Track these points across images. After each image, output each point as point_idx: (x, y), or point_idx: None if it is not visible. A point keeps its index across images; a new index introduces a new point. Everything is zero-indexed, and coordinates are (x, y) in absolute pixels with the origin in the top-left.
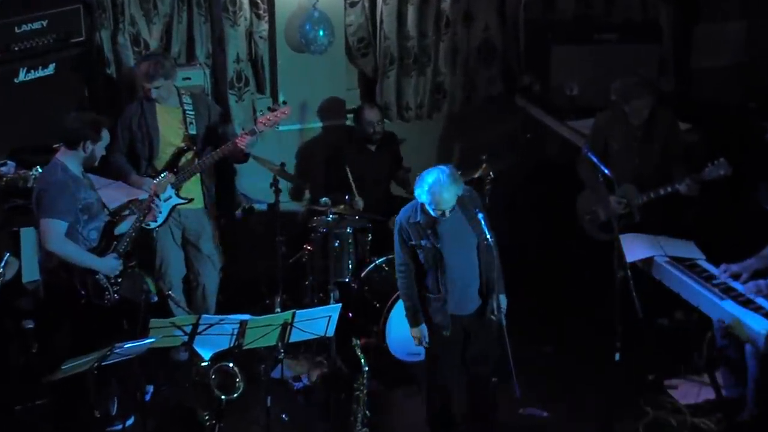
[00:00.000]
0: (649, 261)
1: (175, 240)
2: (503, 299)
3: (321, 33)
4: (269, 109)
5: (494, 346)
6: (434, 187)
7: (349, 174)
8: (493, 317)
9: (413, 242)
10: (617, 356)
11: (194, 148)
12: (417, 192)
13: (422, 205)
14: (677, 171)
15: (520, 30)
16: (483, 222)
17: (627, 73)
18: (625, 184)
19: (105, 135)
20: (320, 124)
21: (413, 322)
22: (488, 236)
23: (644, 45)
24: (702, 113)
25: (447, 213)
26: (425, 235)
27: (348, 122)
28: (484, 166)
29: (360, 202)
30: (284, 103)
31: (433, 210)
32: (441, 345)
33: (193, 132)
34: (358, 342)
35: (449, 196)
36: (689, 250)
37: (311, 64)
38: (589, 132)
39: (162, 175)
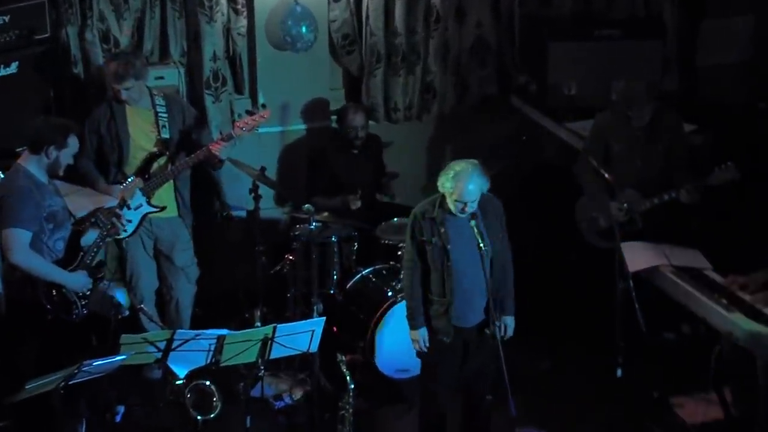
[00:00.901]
0: (652, 271)
1: (146, 250)
2: (511, 321)
3: (303, 29)
4: (247, 112)
5: (492, 364)
6: (460, 175)
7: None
8: (496, 336)
9: (424, 238)
10: (619, 372)
11: (167, 153)
12: (441, 180)
13: (442, 199)
14: (680, 175)
15: (515, 26)
16: (504, 238)
17: (629, 71)
18: (626, 189)
19: (72, 142)
20: (303, 126)
21: (413, 324)
22: (507, 254)
23: (647, 41)
24: (708, 114)
25: (467, 208)
26: (437, 232)
27: (333, 124)
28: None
29: (358, 202)
30: (263, 106)
31: (455, 201)
32: (438, 352)
33: (166, 136)
34: (344, 358)
35: (474, 187)
36: (695, 259)
37: (293, 63)
38: (588, 134)
39: (129, 179)
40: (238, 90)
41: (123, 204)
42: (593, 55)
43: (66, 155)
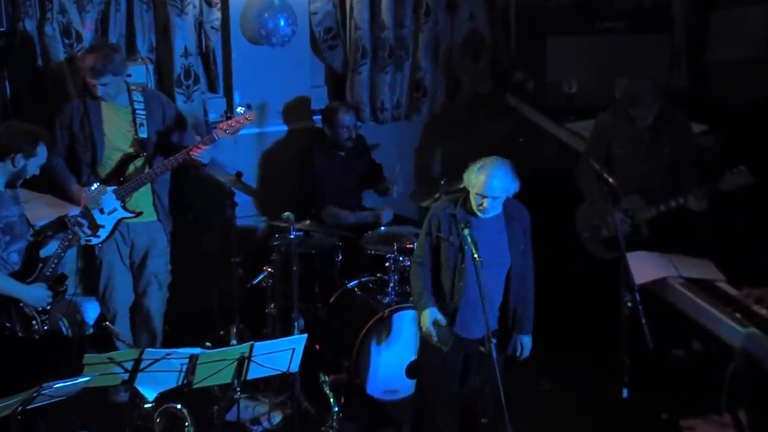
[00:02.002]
0: (660, 283)
1: (123, 260)
2: (528, 341)
3: (282, 22)
4: (229, 114)
5: (494, 384)
6: (487, 167)
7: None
8: (492, 353)
9: (441, 234)
10: (625, 392)
11: (144, 153)
12: (467, 173)
13: (465, 197)
14: (688, 180)
15: (510, 18)
16: (527, 252)
17: (633, 67)
18: (630, 195)
19: (41, 151)
20: (282, 128)
21: (421, 304)
22: (529, 269)
23: (653, 35)
24: (719, 113)
25: (486, 205)
26: (456, 231)
27: (316, 124)
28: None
29: (389, 215)
30: (249, 107)
31: (475, 195)
32: (437, 357)
33: (144, 135)
34: (327, 378)
35: (498, 183)
36: (706, 270)
37: (271, 59)
38: (589, 135)
39: (93, 186)
40: (212, 88)
41: (85, 212)
42: (595, 50)
43: (34, 165)
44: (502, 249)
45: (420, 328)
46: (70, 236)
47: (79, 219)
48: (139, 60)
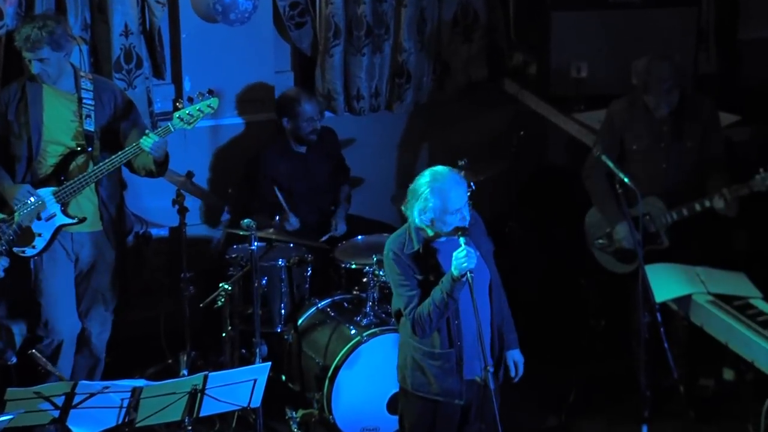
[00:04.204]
0: (685, 301)
1: (67, 276)
2: (519, 356)
3: None
4: (179, 102)
5: (492, 421)
6: (437, 185)
7: (277, 191)
8: (489, 383)
9: (419, 276)
10: (645, 429)
11: (89, 149)
12: (415, 209)
13: (418, 230)
14: (715, 179)
15: None
16: (491, 253)
17: (653, 48)
18: (648, 197)
19: None
20: (241, 120)
21: (447, 286)
22: (498, 276)
23: (676, 9)
24: (753, 101)
25: (467, 213)
26: (429, 268)
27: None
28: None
29: (294, 221)
30: (211, 92)
31: (448, 215)
32: (428, 413)
33: (90, 128)
34: (295, 415)
35: (459, 188)
36: (739, 285)
37: (227, 39)
38: (600, 126)
39: (32, 198)
40: (157, 73)
41: (8, 221)
42: (608, 28)
43: None
44: (479, 264)
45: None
46: None
47: (3, 227)
48: (71, 40)
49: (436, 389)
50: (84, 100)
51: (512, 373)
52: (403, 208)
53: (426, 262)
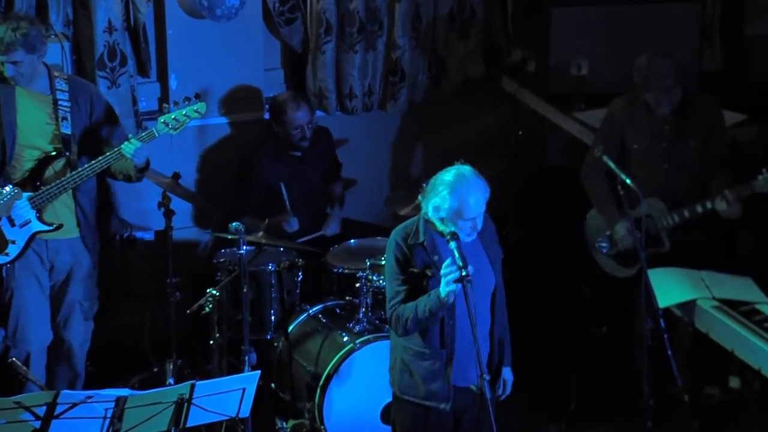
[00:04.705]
0: (689, 306)
1: (41, 286)
2: (509, 374)
3: None
4: (166, 105)
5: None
6: (457, 185)
7: (284, 189)
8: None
9: (415, 269)
10: None
11: (66, 153)
12: (431, 203)
13: (427, 223)
14: (717, 180)
15: None
16: (500, 261)
17: (656, 45)
18: (649, 198)
19: None
20: (229, 119)
21: (433, 301)
22: (502, 288)
23: (681, 4)
24: (760, 99)
25: (478, 224)
26: (432, 262)
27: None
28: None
29: (294, 223)
30: (197, 97)
31: (459, 222)
32: (420, 420)
33: (67, 131)
34: (285, 425)
35: (479, 195)
36: (745, 289)
37: (215, 36)
38: (600, 125)
39: (6, 188)
40: (142, 71)
41: None
42: (609, 24)
43: None
44: (484, 268)
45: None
46: None
47: None
48: (53, 37)
49: (422, 392)
50: (59, 102)
51: (499, 391)
52: (420, 197)
53: (427, 255)
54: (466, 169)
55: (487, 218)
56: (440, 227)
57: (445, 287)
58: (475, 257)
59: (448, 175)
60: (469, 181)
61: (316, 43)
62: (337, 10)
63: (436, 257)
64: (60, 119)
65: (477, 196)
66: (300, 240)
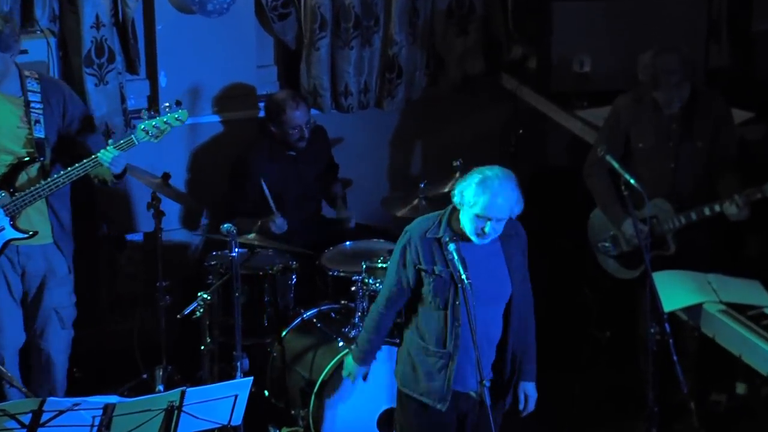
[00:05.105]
0: (695, 310)
1: (11, 292)
2: (533, 389)
3: None
4: (149, 111)
5: None
6: (491, 183)
7: (265, 187)
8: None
9: (423, 266)
10: None
11: (40, 158)
12: (459, 187)
13: (449, 216)
14: (726, 181)
15: None
16: (526, 278)
17: (661, 41)
18: (655, 199)
19: None
20: (220, 118)
21: (360, 358)
22: (530, 301)
23: None
24: None
25: (487, 230)
26: (444, 259)
27: (262, 114)
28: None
29: (281, 222)
30: (178, 103)
31: (474, 217)
32: (424, 420)
33: (41, 134)
34: None
35: (504, 202)
36: (753, 293)
37: (206, 31)
38: (604, 123)
39: None
40: (131, 68)
41: None
42: (613, 19)
43: None
44: (500, 276)
45: (347, 372)
46: None
47: None
48: (38, 33)
49: (421, 388)
50: (32, 104)
51: (521, 406)
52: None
53: (441, 251)
54: (508, 171)
55: (517, 227)
56: (463, 224)
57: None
58: (489, 262)
59: (488, 168)
60: (503, 182)
61: (311, 39)
62: (331, 5)
63: (449, 256)
64: (33, 122)
65: (502, 199)
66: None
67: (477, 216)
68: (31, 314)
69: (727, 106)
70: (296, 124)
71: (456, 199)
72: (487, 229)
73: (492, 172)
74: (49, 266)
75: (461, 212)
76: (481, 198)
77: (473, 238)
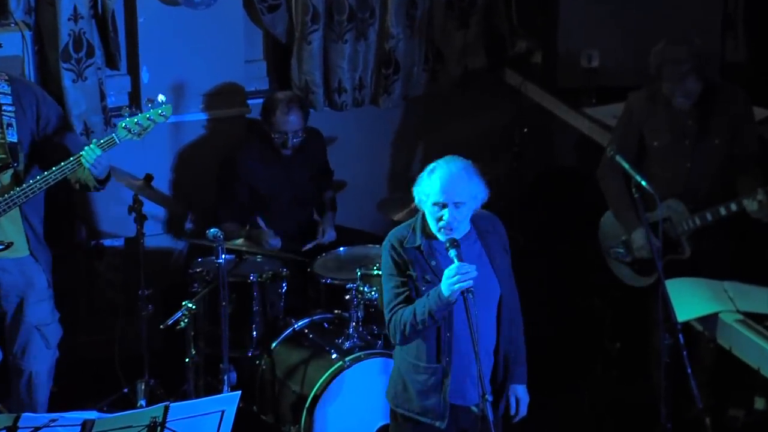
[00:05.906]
0: (711, 320)
1: None
2: (524, 392)
3: None
4: (131, 108)
5: None
6: (438, 167)
7: (260, 221)
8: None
9: (413, 273)
10: None
11: (14, 164)
12: (417, 186)
13: (423, 223)
14: (745, 179)
15: None
16: (510, 275)
17: (674, 35)
18: (668, 200)
19: None
20: (205, 116)
21: (433, 294)
22: (516, 299)
23: None
24: None
25: (446, 218)
26: (429, 267)
27: (250, 112)
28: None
29: (275, 242)
30: (162, 99)
31: (433, 205)
32: None
33: (13, 139)
34: None
35: (460, 183)
36: None
37: (191, 24)
38: (617, 121)
39: None
40: (111, 63)
41: None
42: (623, 12)
43: None
44: (487, 276)
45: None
46: None
47: None
48: (13, 26)
49: (416, 407)
50: (3, 107)
51: (512, 411)
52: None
53: (424, 260)
54: (461, 158)
55: (494, 222)
56: (434, 228)
57: (447, 287)
58: (476, 265)
59: (441, 159)
60: (451, 163)
61: (302, 32)
62: None
63: (433, 262)
64: (5, 126)
65: (454, 179)
66: (304, 248)
67: (434, 204)
68: (11, 334)
69: (748, 102)
70: (282, 130)
71: (416, 200)
72: (445, 216)
73: (441, 160)
74: (28, 281)
75: (425, 212)
76: (433, 184)
77: (439, 235)
